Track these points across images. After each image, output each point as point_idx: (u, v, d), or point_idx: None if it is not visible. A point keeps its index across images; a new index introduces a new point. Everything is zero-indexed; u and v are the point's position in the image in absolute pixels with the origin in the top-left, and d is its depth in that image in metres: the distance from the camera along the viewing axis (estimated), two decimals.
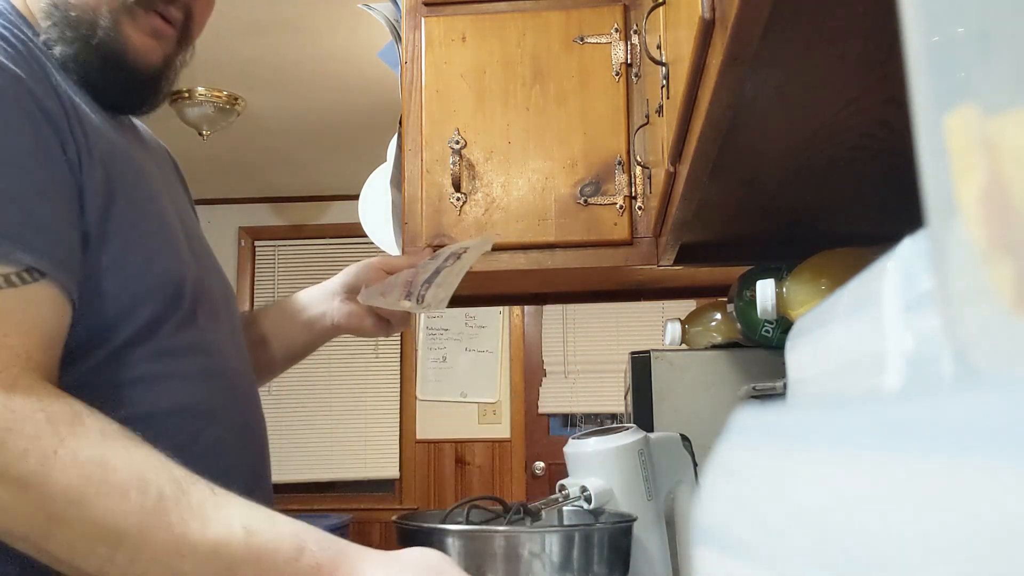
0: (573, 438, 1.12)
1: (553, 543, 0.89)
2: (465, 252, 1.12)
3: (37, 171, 0.71)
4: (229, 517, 0.67)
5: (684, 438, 1.16)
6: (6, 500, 0.64)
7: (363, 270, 1.18)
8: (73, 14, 0.81)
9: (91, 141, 0.77)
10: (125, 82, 0.85)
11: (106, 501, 0.64)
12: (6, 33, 0.77)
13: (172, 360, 0.83)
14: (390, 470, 4.51)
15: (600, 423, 4.33)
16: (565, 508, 1.07)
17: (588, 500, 1.04)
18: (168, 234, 0.85)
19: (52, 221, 0.72)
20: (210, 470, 0.72)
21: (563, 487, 1.07)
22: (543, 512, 1.04)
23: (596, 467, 1.06)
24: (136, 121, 0.99)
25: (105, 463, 0.65)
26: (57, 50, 0.82)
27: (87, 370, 0.77)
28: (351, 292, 1.16)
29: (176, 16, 0.87)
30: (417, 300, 1.08)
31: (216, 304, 0.92)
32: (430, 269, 1.12)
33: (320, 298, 1.17)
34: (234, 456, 0.90)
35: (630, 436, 1.08)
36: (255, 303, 4.65)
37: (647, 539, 1.06)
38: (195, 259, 0.90)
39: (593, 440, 1.08)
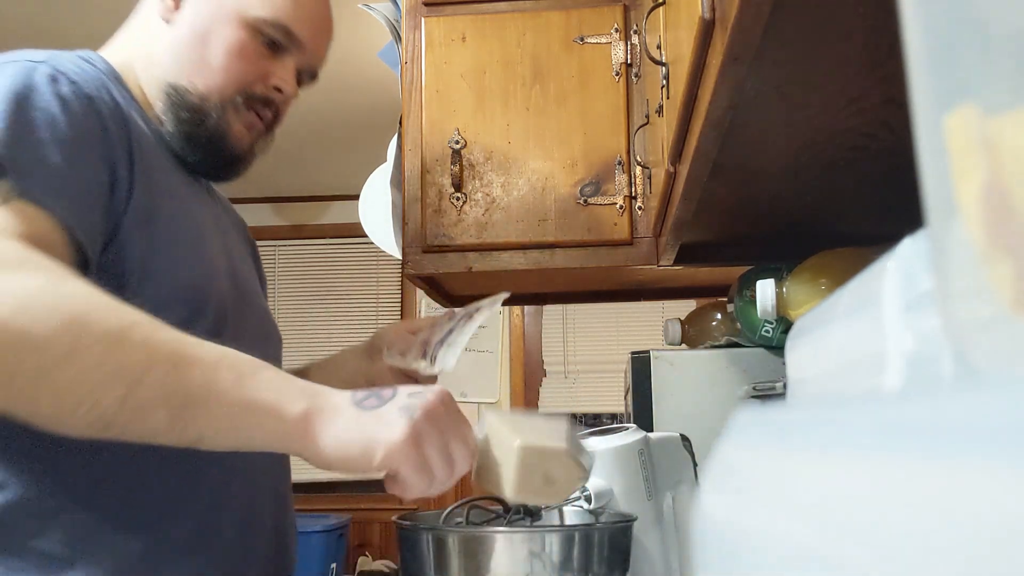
0: None
1: (553, 543, 0.89)
2: (477, 311, 1.15)
3: (78, 154, 0.84)
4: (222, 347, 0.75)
5: (684, 438, 1.16)
6: (9, 315, 0.66)
7: (388, 331, 1.24)
8: (190, 100, 1.00)
9: (146, 168, 0.91)
10: (216, 159, 1.04)
11: (117, 311, 0.70)
12: (91, 74, 0.93)
13: None
14: None
15: (600, 423, 4.33)
16: (565, 508, 1.07)
17: (588, 500, 1.04)
18: (202, 256, 0.96)
19: (78, 187, 0.83)
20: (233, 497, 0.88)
21: None
22: (543, 512, 1.04)
23: (596, 467, 1.06)
24: (216, 189, 1.17)
25: (109, 296, 0.72)
26: (169, 125, 1.00)
27: None
28: (378, 352, 1.22)
29: (267, 115, 1.06)
30: (430, 360, 1.11)
31: (249, 333, 1.02)
32: (445, 329, 1.16)
33: (355, 357, 1.24)
34: (243, 460, 0.95)
35: (630, 436, 1.08)
36: None
37: (647, 539, 1.06)
38: (236, 293, 1.01)
39: (593, 440, 1.09)
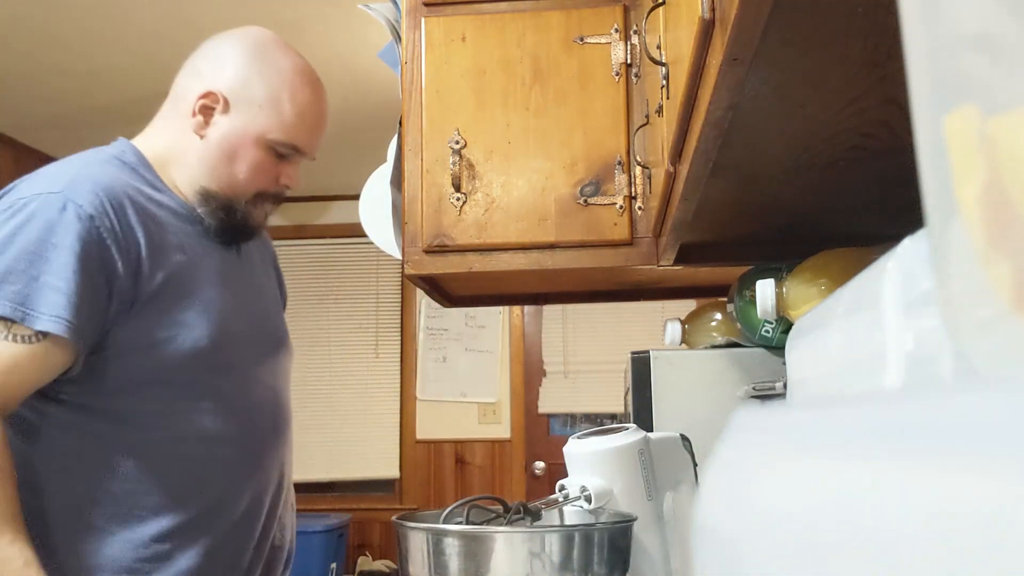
0: (573, 438, 1.12)
1: (553, 543, 0.89)
2: None
3: (75, 274, 1.11)
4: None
5: (684, 438, 1.16)
6: None
7: None
8: (221, 200, 1.29)
9: (157, 262, 1.20)
10: (242, 236, 1.35)
11: None
12: (109, 187, 1.18)
13: (195, 399, 1.22)
14: (390, 470, 4.51)
15: (600, 423, 4.33)
16: (565, 508, 1.07)
17: (588, 500, 1.03)
18: (209, 319, 1.24)
19: (81, 307, 1.12)
20: (228, 484, 1.24)
21: (563, 487, 1.07)
22: (543, 512, 1.04)
23: (596, 467, 1.06)
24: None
25: None
26: (207, 217, 1.29)
27: (138, 399, 1.18)
28: None
29: (277, 200, 1.37)
30: None
31: (250, 363, 1.32)
32: None
33: None
34: (240, 472, 1.26)
35: (630, 436, 1.08)
36: None
37: (647, 539, 1.06)
38: (240, 330, 1.30)
39: (593, 440, 1.08)
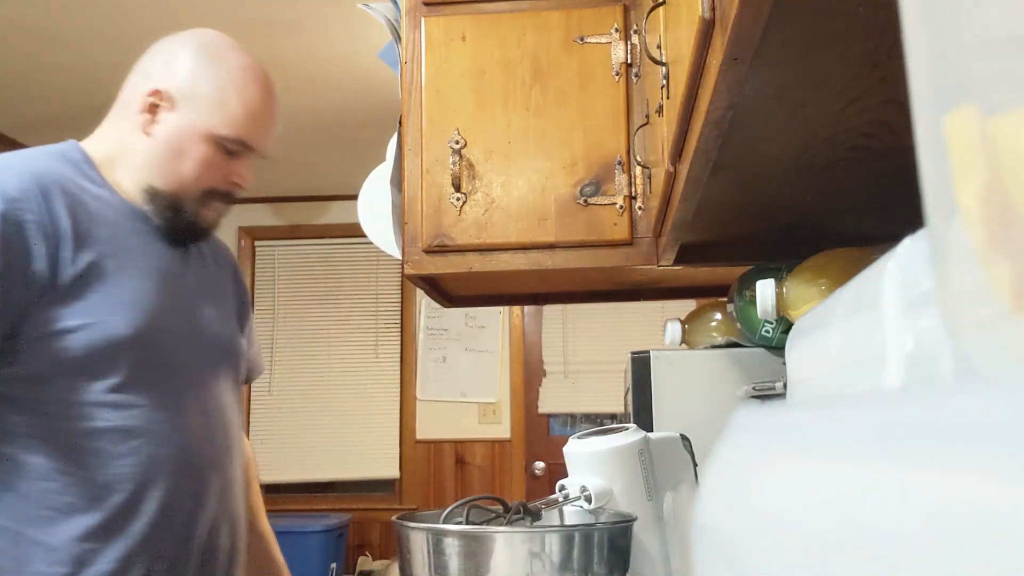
0: (573, 438, 1.12)
1: (553, 543, 0.89)
2: None
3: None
4: None
5: (684, 438, 1.16)
6: None
7: None
8: (168, 199, 1.27)
9: (81, 250, 1.17)
10: (190, 236, 1.32)
11: None
12: (36, 175, 1.17)
13: (115, 392, 1.17)
14: (390, 470, 4.51)
15: (600, 423, 4.33)
16: (565, 508, 1.07)
17: (588, 500, 1.04)
18: (135, 312, 1.20)
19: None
20: (147, 482, 1.18)
21: (563, 487, 1.07)
22: (543, 512, 1.04)
23: (596, 467, 1.06)
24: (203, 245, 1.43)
25: None
26: (154, 216, 1.27)
27: (52, 388, 1.14)
28: None
29: (228, 199, 1.33)
30: None
31: (187, 365, 1.27)
32: None
33: None
34: (163, 472, 1.21)
35: (630, 436, 1.08)
36: (255, 303, 4.64)
37: (647, 539, 1.06)
38: (175, 329, 1.26)
39: (593, 440, 1.08)
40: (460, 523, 0.97)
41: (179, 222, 1.28)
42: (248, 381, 1.52)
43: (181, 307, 1.29)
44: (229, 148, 1.28)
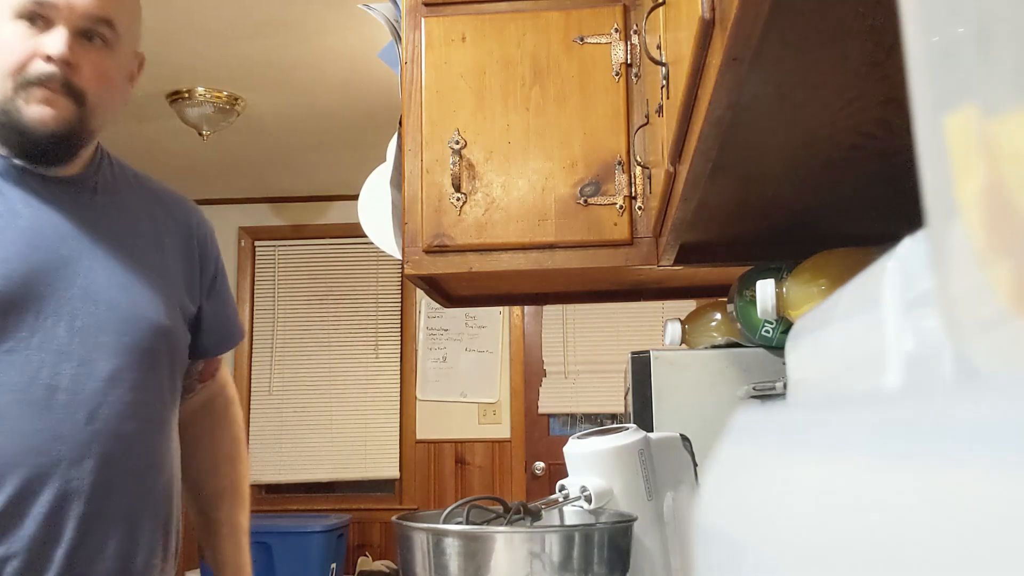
0: (573, 438, 1.12)
1: (553, 543, 0.89)
2: None
3: None
4: None
5: (684, 438, 1.16)
6: None
7: None
8: None
9: None
10: (33, 146, 1.09)
11: None
12: None
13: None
14: (390, 470, 4.51)
15: (600, 423, 4.33)
16: (565, 508, 1.07)
17: (588, 500, 1.04)
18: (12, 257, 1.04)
19: None
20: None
21: (563, 487, 1.07)
22: (543, 512, 1.04)
23: (596, 467, 1.06)
24: (144, 179, 1.26)
25: None
26: None
27: None
28: None
29: (63, 88, 1.08)
30: None
31: (75, 319, 1.09)
32: None
33: None
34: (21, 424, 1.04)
35: (630, 436, 1.08)
36: (255, 303, 4.65)
37: (647, 539, 1.06)
38: (56, 277, 1.08)
39: (593, 440, 1.08)
40: (460, 523, 0.97)
41: (6, 131, 1.08)
42: (216, 353, 1.37)
43: (45, 254, 1.08)
44: (21, 15, 1.07)
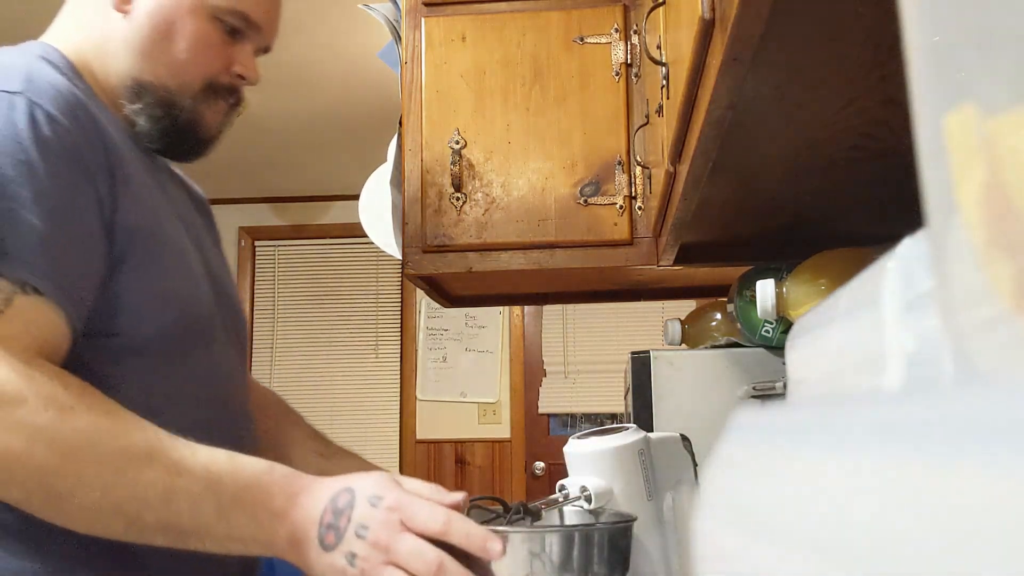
0: (573, 438, 1.12)
1: (553, 543, 0.89)
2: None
3: (68, 212, 0.85)
4: (213, 450, 0.80)
5: (684, 438, 1.16)
6: (24, 446, 0.75)
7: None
8: (160, 95, 1.01)
9: (124, 180, 0.92)
10: (187, 146, 1.06)
11: (114, 439, 0.77)
12: (63, 89, 0.90)
13: (172, 378, 0.96)
14: (390, 470, 4.51)
15: (600, 423, 4.33)
16: (565, 508, 1.07)
17: (588, 500, 1.04)
18: (185, 269, 0.99)
19: (69, 255, 0.85)
20: None
21: (563, 487, 1.07)
22: (543, 512, 1.04)
23: (596, 467, 1.06)
24: (173, 167, 1.18)
25: (113, 413, 0.78)
26: (143, 122, 1.01)
27: (100, 375, 0.88)
28: None
29: (232, 100, 1.08)
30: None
31: (225, 335, 1.06)
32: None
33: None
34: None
35: (630, 436, 1.08)
36: (255, 303, 4.65)
37: (647, 539, 1.06)
38: (213, 293, 1.04)
39: (593, 440, 1.08)
40: None
41: (174, 124, 1.03)
42: None
43: (206, 270, 1.06)
44: (228, 25, 1.04)
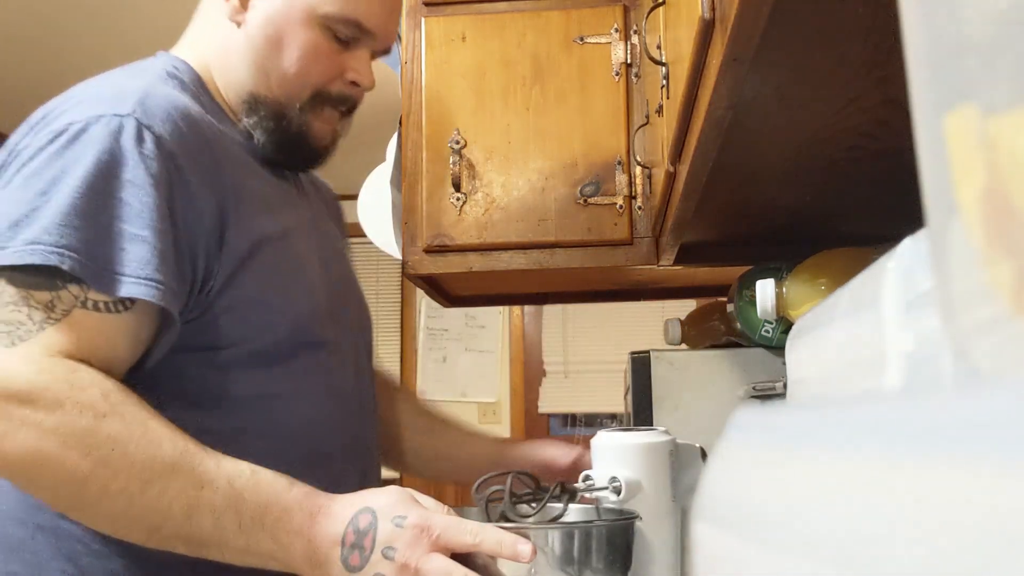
0: (603, 432, 1.10)
1: (556, 539, 0.89)
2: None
3: (165, 229, 0.86)
4: (238, 463, 0.82)
5: (702, 451, 1.15)
6: (57, 450, 0.77)
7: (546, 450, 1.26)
8: (272, 108, 1.02)
9: (239, 197, 0.94)
10: (301, 157, 1.08)
11: (142, 449, 0.79)
12: (180, 107, 0.92)
13: (292, 382, 0.99)
14: (390, 469, 4.51)
15: (600, 423, 4.33)
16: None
17: (617, 492, 1.02)
18: (299, 282, 1.01)
19: (161, 271, 0.85)
20: (319, 480, 0.86)
21: (588, 477, 1.05)
22: (581, 496, 1.03)
23: (627, 461, 1.05)
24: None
25: (146, 423, 0.80)
26: (259, 135, 1.03)
27: (222, 381, 0.94)
28: (516, 450, 1.29)
29: (345, 108, 1.08)
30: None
31: (345, 331, 1.08)
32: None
33: (485, 444, 1.31)
34: (340, 468, 1.03)
35: (662, 436, 1.07)
36: None
37: (665, 541, 1.05)
38: (329, 294, 1.06)
39: (626, 434, 1.07)
40: (494, 501, 0.95)
41: (285, 136, 1.03)
42: None
43: (326, 278, 1.07)
44: (340, 34, 1.02)
